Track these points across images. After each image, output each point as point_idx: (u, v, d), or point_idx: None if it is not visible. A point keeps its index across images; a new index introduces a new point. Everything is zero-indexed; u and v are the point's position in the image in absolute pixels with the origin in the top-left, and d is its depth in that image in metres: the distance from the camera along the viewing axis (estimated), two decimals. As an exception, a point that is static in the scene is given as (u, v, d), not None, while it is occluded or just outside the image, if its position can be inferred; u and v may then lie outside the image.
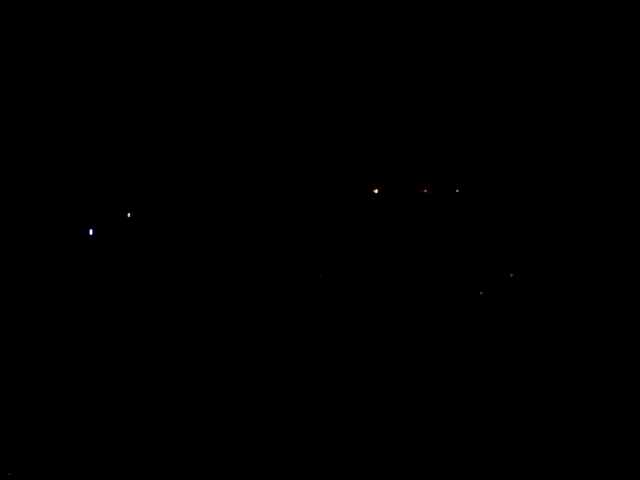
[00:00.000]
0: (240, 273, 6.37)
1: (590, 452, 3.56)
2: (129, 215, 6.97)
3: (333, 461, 3.51)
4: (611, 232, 6.68)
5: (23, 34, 7.63)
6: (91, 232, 6.74)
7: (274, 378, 4.44)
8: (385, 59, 8.09)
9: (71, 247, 6.93)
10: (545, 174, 7.32)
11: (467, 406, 4.07)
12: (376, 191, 7.04)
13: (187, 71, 8.19)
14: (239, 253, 6.75)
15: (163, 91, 8.14)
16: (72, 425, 3.81)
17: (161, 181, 7.76)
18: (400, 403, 4.12)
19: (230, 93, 8.32)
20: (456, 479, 3.43)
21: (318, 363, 4.68)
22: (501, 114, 7.76)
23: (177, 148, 7.86)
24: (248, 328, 5.27)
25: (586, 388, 4.25)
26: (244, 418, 3.94)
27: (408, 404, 4.10)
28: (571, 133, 7.36)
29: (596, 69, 7.22)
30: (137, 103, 7.99)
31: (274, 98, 8.23)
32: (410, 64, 8.05)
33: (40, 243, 6.97)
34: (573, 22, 7.23)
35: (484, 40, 7.68)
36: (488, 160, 7.55)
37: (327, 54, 8.07)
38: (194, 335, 5.23)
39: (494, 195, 7.27)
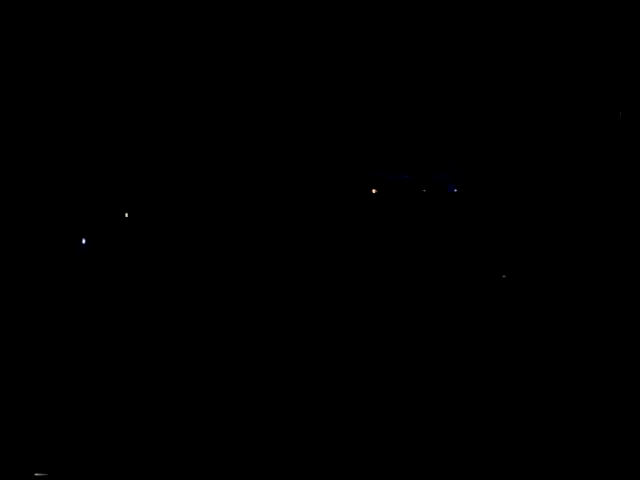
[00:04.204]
0: (238, 271, 6.37)
1: (590, 452, 3.56)
2: (127, 215, 6.95)
3: (332, 460, 3.50)
4: (610, 233, 6.67)
5: (23, 34, 7.61)
6: (84, 241, 6.74)
7: (272, 375, 4.43)
8: (384, 59, 8.08)
9: (69, 248, 6.92)
10: (544, 174, 7.31)
11: (463, 406, 4.07)
12: (374, 191, 7.04)
13: (186, 71, 8.17)
14: (237, 251, 6.74)
15: (162, 91, 8.12)
16: (71, 425, 3.80)
17: (158, 180, 7.75)
18: (396, 402, 4.12)
19: (228, 93, 8.30)
20: (456, 479, 3.42)
21: (315, 361, 4.67)
22: (500, 114, 7.75)
23: (175, 147, 7.85)
24: (245, 326, 5.27)
25: (584, 387, 4.25)
26: (240, 416, 3.94)
27: (404, 403, 4.10)
28: (571, 133, 7.35)
29: (596, 69, 7.21)
30: (135, 104, 7.98)
31: (272, 97, 8.22)
32: (409, 64, 8.04)
33: (38, 244, 6.95)
34: (573, 22, 7.22)
35: (484, 40, 7.67)
36: (486, 160, 7.55)
37: (326, 54, 8.06)
38: (192, 333, 5.22)
39: (492, 195, 7.26)
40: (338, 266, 6.93)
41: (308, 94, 8.33)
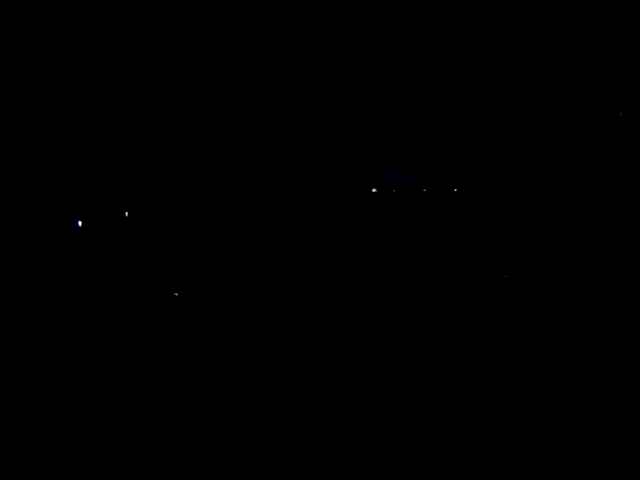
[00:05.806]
0: (238, 267, 6.37)
1: (590, 452, 3.57)
2: (127, 214, 6.96)
3: (332, 460, 3.51)
4: (610, 233, 6.67)
5: (23, 34, 7.63)
6: (80, 224, 6.72)
7: (272, 373, 4.44)
8: (384, 58, 8.10)
9: (68, 246, 6.92)
10: (544, 174, 7.32)
11: (464, 406, 4.07)
12: (374, 190, 7.04)
13: (186, 70, 8.19)
14: (237, 248, 6.74)
15: (162, 90, 8.15)
16: (70, 425, 3.81)
17: (158, 179, 7.77)
18: (396, 403, 4.12)
19: (229, 92, 8.32)
20: (456, 479, 3.43)
21: (314, 360, 4.68)
22: (500, 115, 7.76)
23: (175, 146, 7.87)
24: (246, 321, 5.27)
25: (584, 388, 4.25)
26: (239, 414, 3.95)
27: (404, 404, 4.11)
28: (571, 133, 7.36)
29: (596, 69, 7.22)
30: (135, 102, 8.01)
31: (273, 97, 8.23)
32: (409, 63, 8.05)
33: (38, 242, 6.96)
34: (573, 22, 7.23)
35: (484, 39, 7.68)
36: (487, 160, 7.56)
37: (326, 53, 8.07)
38: (192, 330, 5.22)
39: (492, 195, 7.27)
40: (335, 267, 6.93)
41: (308, 93, 8.34)
